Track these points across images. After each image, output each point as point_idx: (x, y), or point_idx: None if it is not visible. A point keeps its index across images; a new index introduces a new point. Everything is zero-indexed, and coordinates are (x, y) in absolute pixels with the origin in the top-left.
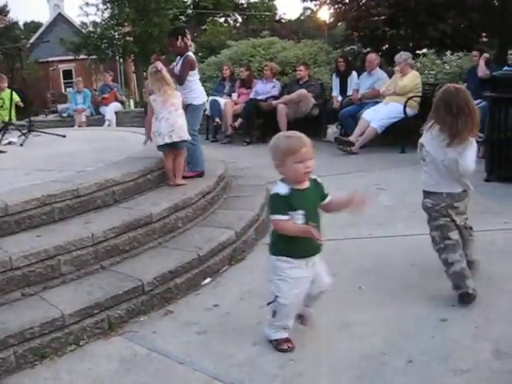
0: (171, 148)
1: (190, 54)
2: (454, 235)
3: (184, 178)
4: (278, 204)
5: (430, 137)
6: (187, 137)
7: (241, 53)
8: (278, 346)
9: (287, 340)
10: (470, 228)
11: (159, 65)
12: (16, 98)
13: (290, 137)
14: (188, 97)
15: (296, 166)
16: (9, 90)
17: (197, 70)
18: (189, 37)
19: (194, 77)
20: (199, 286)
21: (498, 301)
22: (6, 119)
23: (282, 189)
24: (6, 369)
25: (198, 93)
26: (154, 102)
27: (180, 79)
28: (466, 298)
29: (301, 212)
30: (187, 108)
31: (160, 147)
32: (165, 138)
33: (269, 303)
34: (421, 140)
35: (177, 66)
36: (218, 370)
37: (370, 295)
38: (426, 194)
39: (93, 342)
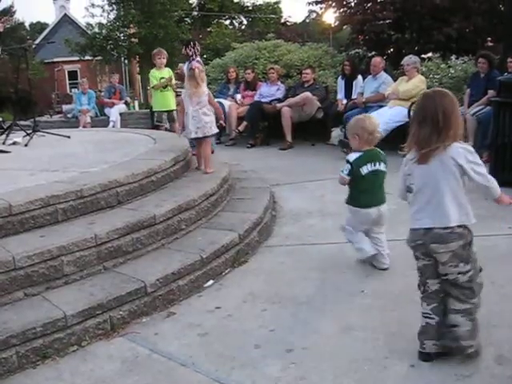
0: (199, 140)
1: (194, 61)
2: (433, 285)
3: None
4: None
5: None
6: (212, 132)
7: (246, 55)
8: None
9: None
10: (468, 288)
11: (195, 64)
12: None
13: None
14: None
15: None
16: (168, 69)
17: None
18: (196, 47)
19: None
20: (202, 288)
21: (500, 306)
22: (172, 107)
23: None
24: (8, 369)
25: None
26: (184, 98)
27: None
28: (420, 356)
29: None
30: None
31: (191, 140)
32: (191, 134)
33: None
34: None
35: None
36: (219, 373)
37: (373, 299)
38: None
39: (95, 343)
